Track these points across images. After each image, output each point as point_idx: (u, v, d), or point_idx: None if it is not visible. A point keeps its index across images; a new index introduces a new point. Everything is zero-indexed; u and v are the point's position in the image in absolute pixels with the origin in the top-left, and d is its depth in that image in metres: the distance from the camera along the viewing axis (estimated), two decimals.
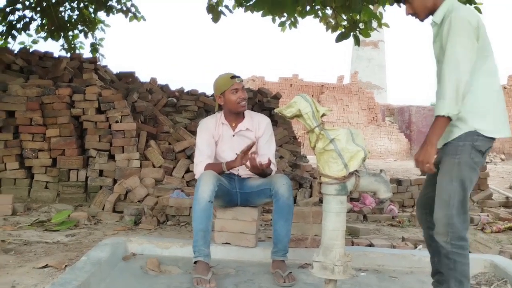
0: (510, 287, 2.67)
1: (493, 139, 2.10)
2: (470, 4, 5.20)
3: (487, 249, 3.63)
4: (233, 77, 2.91)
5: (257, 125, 3.03)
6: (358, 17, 6.38)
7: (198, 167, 2.91)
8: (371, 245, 3.63)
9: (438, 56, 2.21)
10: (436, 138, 2.06)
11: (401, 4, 2.33)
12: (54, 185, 5.52)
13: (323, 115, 2.20)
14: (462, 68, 2.02)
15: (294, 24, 7.35)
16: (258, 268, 2.89)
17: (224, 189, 2.83)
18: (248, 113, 3.05)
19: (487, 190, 6.69)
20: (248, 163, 2.74)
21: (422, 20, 2.30)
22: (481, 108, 2.08)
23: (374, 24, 6.46)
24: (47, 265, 2.80)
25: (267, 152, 2.97)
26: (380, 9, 6.63)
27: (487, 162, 16.55)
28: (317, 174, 2.23)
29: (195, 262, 2.62)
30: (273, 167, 2.94)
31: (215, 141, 2.99)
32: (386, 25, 6.61)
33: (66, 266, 2.78)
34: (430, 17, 2.27)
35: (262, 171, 2.81)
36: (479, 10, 5.20)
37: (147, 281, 2.59)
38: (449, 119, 2.02)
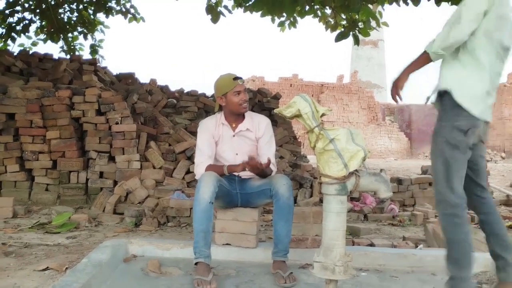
0: None
1: (476, 118, 2.13)
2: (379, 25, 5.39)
3: (488, 248, 3.62)
4: (236, 78, 2.91)
5: (257, 125, 3.03)
6: (357, 16, 6.38)
7: (199, 168, 2.91)
8: (372, 244, 3.63)
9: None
10: (412, 69, 2.22)
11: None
12: (54, 187, 5.52)
13: (323, 115, 2.20)
14: (462, 25, 2.07)
15: (293, 24, 7.35)
16: (259, 268, 2.88)
17: (225, 190, 2.82)
18: (248, 114, 3.04)
19: (487, 188, 6.67)
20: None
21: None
22: (467, 76, 2.14)
23: (373, 23, 6.46)
24: (47, 267, 2.79)
25: (267, 152, 2.96)
26: (379, 8, 6.63)
27: (487, 161, 16.54)
28: (317, 174, 2.22)
29: (196, 263, 2.62)
30: (273, 167, 2.93)
31: (215, 141, 2.99)
32: (386, 24, 6.61)
33: (67, 268, 2.78)
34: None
35: (262, 172, 2.80)
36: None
37: (148, 282, 2.59)
38: (428, 59, 2.16)
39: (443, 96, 2.19)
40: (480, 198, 2.29)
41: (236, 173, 2.95)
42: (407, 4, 5.43)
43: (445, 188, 2.16)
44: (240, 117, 3.00)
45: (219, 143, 3.00)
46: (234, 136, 2.99)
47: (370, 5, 6.21)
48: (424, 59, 2.18)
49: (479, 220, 2.39)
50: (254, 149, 3.01)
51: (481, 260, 3.05)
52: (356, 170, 2.13)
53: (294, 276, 2.66)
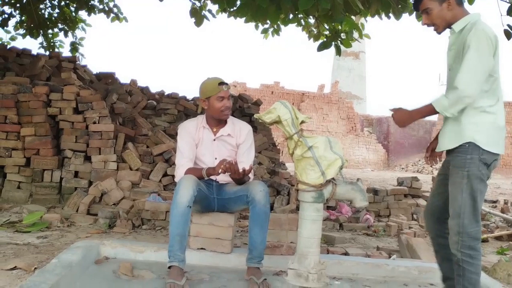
0: None
1: (496, 154, 2.24)
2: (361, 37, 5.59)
3: None
4: (221, 83, 2.90)
5: (238, 131, 3.02)
6: (340, 27, 6.45)
7: (179, 170, 2.88)
8: (346, 253, 3.65)
9: (451, 64, 2.32)
10: (419, 116, 2.30)
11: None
12: (27, 185, 5.39)
13: (302, 122, 2.21)
14: (476, 79, 2.14)
15: (276, 31, 7.38)
16: (233, 274, 2.87)
17: (202, 194, 2.81)
18: (230, 119, 3.04)
19: None
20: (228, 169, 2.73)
21: (439, 32, 2.38)
22: (483, 124, 2.21)
23: (356, 34, 6.54)
24: (15, 267, 2.72)
25: (245, 159, 2.96)
26: (362, 20, 6.71)
27: None
28: (295, 181, 2.23)
29: (169, 267, 2.59)
30: (251, 174, 2.93)
31: (195, 144, 2.98)
32: (367, 36, 6.70)
33: (35, 268, 2.71)
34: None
35: (240, 177, 2.79)
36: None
37: (119, 285, 2.54)
38: (435, 111, 2.22)
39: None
40: (446, 223, 2.33)
41: (213, 178, 2.94)
42: (389, 17, 5.52)
43: (471, 221, 2.20)
44: (221, 122, 3.00)
45: (199, 146, 2.98)
46: (214, 140, 2.98)
47: (353, 17, 6.29)
48: (432, 111, 2.25)
49: (437, 243, 2.47)
50: (233, 155, 3.00)
51: None
52: (333, 178, 2.14)
53: (268, 283, 2.65)
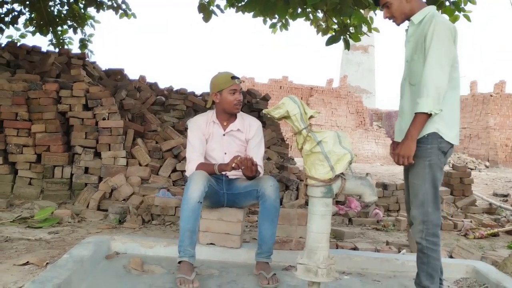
0: None
1: (451, 144, 2.30)
2: (459, 12, 5.24)
3: (470, 254, 3.67)
4: (234, 77, 2.91)
5: (248, 127, 3.03)
6: (348, 21, 6.41)
7: (191, 164, 2.88)
8: (355, 248, 3.65)
9: (410, 55, 2.37)
10: (417, 133, 2.23)
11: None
12: (38, 181, 5.44)
13: (311, 117, 2.20)
14: (444, 71, 2.20)
15: (285, 26, 7.36)
16: (242, 269, 2.88)
17: (213, 190, 2.82)
18: (240, 115, 3.05)
19: (471, 196, 6.76)
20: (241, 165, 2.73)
21: (398, 24, 2.46)
22: (446, 115, 2.25)
23: (365, 28, 6.49)
24: (28, 262, 2.75)
25: (255, 154, 2.96)
26: (371, 13, 6.66)
27: (471, 169, 16.74)
28: (304, 176, 2.23)
29: (179, 262, 2.61)
30: (260, 169, 2.93)
31: (206, 139, 2.98)
32: (376, 30, 6.64)
33: (47, 263, 2.74)
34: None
35: (252, 171, 2.79)
36: (467, 18, 5.27)
37: (129, 280, 2.57)
38: (428, 116, 2.19)
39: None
40: None
41: (224, 173, 2.95)
42: None
43: (433, 209, 2.28)
44: (231, 116, 3.00)
45: (209, 141, 2.99)
46: (224, 135, 2.99)
47: (362, 10, 6.24)
48: (425, 119, 2.21)
49: None
50: (243, 150, 3.01)
51: (463, 267, 3.09)
52: (342, 173, 2.13)
53: (277, 278, 2.66)
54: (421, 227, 2.28)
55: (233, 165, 2.71)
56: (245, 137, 3.02)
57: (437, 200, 2.29)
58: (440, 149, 2.27)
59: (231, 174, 2.99)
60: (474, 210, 6.36)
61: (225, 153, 2.97)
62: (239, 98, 2.91)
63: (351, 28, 6.40)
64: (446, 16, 2.34)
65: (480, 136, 22.04)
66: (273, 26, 7.36)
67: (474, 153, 21.88)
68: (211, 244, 3.09)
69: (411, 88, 2.36)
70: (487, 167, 19.98)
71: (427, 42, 2.22)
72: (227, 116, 2.99)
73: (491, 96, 21.76)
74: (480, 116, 22.11)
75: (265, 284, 2.61)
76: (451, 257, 3.68)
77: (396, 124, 2.50)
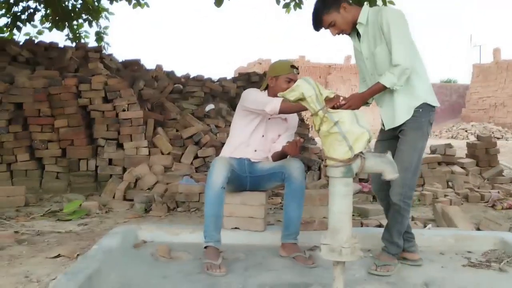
0: None
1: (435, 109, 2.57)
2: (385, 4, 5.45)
3: (497, 226, 3.62)
4: (293, 66, 2.94)
5: (291, 119, 3.10)
6: None
7: (275, 101, 2.79)
8: (380, 225, 3.64)
9: (371, 52, 2.54)
10: (370, 96, 2.50)
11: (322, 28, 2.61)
12: (64, 175, 5.57)
13: (327, 97, 2.18)
14: (407, 51, 2.41)
15: (298, 5, 7.26)
16: (268, 251, 2.91)
17: (235, 174, 2.85)
18: None
19: (497, 166, 6.64)
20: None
21: (349, 34, 2.63)
22: (423, 85, 2.53)
23: (380, 1, 6.36)
24: (59, 254, 2.84)
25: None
26: None
27: (498, 138, 16.38)
28: (323, 157, 2.22)
29: (205, 247, 2.65)
30: None
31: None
32: (392, 3, 6.50)
33: (78, 255, 2.82)
34: None
35: (297, 152, 2.87)
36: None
37: (158, 267, 2.63)
38: (385, 88, 2.44)
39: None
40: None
41: (247, 156, 2.97)
42: None
43: (412, 174, 2.52)
44: None
45: (255, 119, 2.98)
46: (269, 118, 3.00)
47: None
48: (381, 88, 2.46)
49: (387, 202, 2.67)
50: (276, 138, 3.04)
51: (490, 239, 3.06)
52: (361, 152, 2.12)
53: (313, 257, 2.71)
54: (401, 190, 2.49)
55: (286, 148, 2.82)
56: (287, 128, 3.07)
57: (418, 167, 2.56)
58: (430, 122, 2.53)
59: (254, 158, 3.00)
60: (502, 180, 6.24)
61: (263, 136, 2.99)
62: None
63: (365, 2, 6.27)
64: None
65: (506, 104, 21.51)
66: (286, 6, 7.27)
67: (500, 121, 21.38)
68: (236, 228, 3.13)
69: (380, 78, 2.48)
70: None
71: (385, 30, 2.43)
72: None
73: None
74: (504, 83, 21.55)
75: (310, 264, 2.68)
76: (478, 229, 3.64)
77: (384, 110, 2.65)
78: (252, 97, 2.93)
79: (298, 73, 2.96)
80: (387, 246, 2.66)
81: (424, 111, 2.50)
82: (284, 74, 2.90)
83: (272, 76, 2.94)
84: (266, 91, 3.03)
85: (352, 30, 2.60)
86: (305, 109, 2.67)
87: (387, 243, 2.66)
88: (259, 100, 2.89)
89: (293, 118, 3.13)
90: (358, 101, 2.41)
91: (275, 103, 2.79)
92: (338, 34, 2.60)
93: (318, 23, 2.59)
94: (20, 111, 5.64)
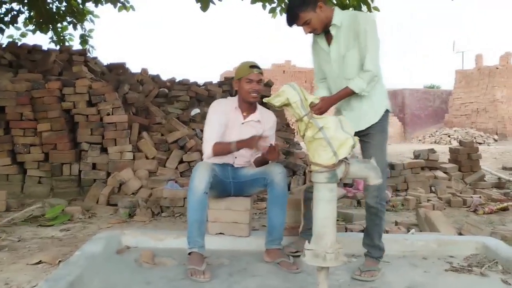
0: (501, 268, 2.70)
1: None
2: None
3: (479, 231, 3.67)
4: (252, 66, 2.91)
5: (266, 120, 3.07)
6: (348, 1, 6.34)
7: (208, 144, 2.86)
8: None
9: (343, 53, 2.57)
10: (337, 100, 2.57)
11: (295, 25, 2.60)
12: (47, 179, 5.50)
13: (312, 103, 2.20)
14: (378, 61, 2.50)
15: (284, 10, 7.28)
16: (252, 257, 2.91)
17: (218, 179, 2.83)
18: (258, 108, 3.07)
19: (479, 171, 6.73)
20: (261, 147, 2.76)
21: (319, 33, 2.64)
22: (385, 92, 2.69)
23: (364, 8, 6.41)
24: (40, 261, 2.80)
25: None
26: None
27: (480, 143, 16.63)
28: (308, 162, 2.23)
29: (189, 253, 2.64)
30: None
31: (225, 124, 2.97)
32: (377, 9, 6.56)
33: (60, 261, 2.78)
34: None
35: (277, 157, 2.84)
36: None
37: (141, 273, 2.60)
38: (353, 93, 2.51)
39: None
40: None
41: (230, 162, 2.96)
42: None
43: (385, 176, 2.60)
44: (251, 106, 3.01)
45: (228, 128, 2.98)
46: (243, 123, 2.99)
47: None
48: (349, 93, 2.53)
49: (309, 197, 2.61)
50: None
51: (472, 243, 3.09)
52: (345, 158, 2.13)
53: (297, 263, 2.71)
54: (376, 193, 2.60)
55: (261, 148, 2.74)
56: (263, 129, 3.03)
57: (387, 168, 2.69)
58: (388, 124, 2.69)
59: (237, 163, 3.00)
60: (483, 185, 6.34)
61: None
62: (256, 87, 2.91)
63: (350, 8, 6.33)
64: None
65: (488, 109, 21.82)
66: (272, 10, 7.29)
67: (482, 127, 21.68)
68: (220, 233, 3.12)
69: (348, 82, 2.54)
70: (495, 140, 19.83)
71: (362, 37, 2.48)
72: (246, 106, 2.99)
73: (497, 68, 21.50)
74: (486, 89, 21.87)
75: (295, 270, 2.68)
76: (460, 234, 3.68)
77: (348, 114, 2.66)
78: (205, 125, 3.00)
79: (260, 72, 2.94)
80: (370, 251, 2.69)
81: (385, 115, 2.65)
82: (245, 76, 2.89)
83: (236, 80, 2.96)
84: (237, 98, 3.04)
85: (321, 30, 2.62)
86: (231, 152, 2.84)
87: (369, 247, 2.70)
88: (204, 135, 2.97)
89: (268, 118, 3.08)
90: (327, 105, 2.48)
91: (207, 150, 2.86)
92: (310, 32, 2.61)
93: (293, 19, 2.58)
94: (2, 114, 5.57)
